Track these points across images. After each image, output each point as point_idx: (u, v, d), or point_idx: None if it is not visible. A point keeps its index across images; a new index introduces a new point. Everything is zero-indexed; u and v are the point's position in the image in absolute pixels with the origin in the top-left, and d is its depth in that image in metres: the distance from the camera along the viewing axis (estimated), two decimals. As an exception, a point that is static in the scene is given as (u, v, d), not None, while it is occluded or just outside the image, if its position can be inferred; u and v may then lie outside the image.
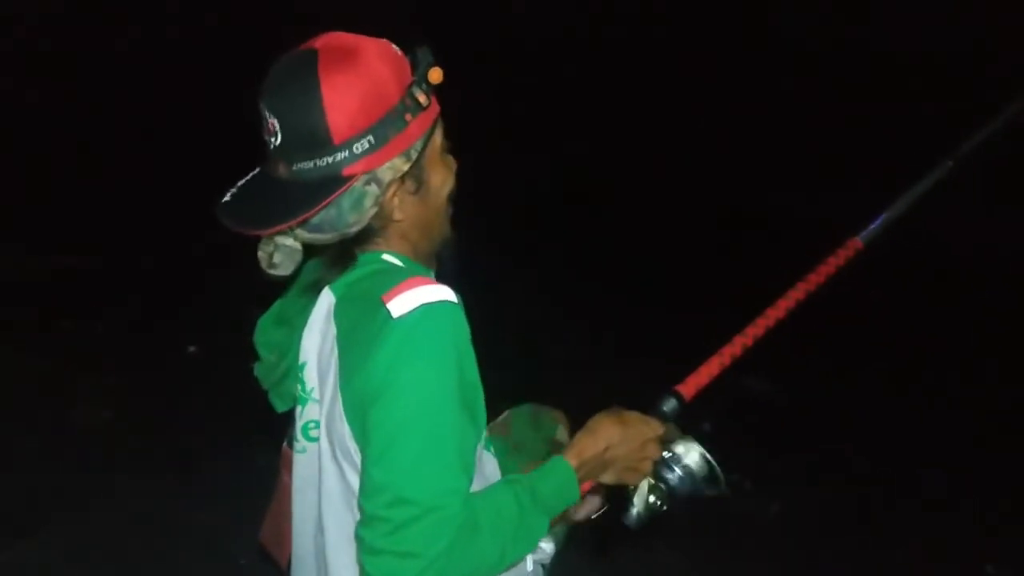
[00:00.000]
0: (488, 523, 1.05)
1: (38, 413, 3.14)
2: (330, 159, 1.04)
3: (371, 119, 1.04)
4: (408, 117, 1.07)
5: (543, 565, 1.28)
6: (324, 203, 1.04)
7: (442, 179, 1.17)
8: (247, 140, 1.31)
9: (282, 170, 1.07)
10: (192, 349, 3.56)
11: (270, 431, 1.37)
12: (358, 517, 1.05)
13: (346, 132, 1.03)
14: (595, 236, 4.77)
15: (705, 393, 1.34)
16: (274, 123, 1.05)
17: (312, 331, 1.19)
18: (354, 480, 1.12)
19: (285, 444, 1.33)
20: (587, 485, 1.20)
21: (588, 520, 1.38)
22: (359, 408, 1.05)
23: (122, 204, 4.72)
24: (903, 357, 3.65)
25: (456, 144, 1.22)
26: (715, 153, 5.70)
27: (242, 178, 1.15)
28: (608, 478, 1.21)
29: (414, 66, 1.09)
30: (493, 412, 1.64)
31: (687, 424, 1.30)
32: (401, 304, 1.03)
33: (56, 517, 2.64)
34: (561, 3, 8.02)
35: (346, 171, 1.05)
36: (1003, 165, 3.38)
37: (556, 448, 1.48)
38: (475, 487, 1.10)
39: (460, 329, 1.06)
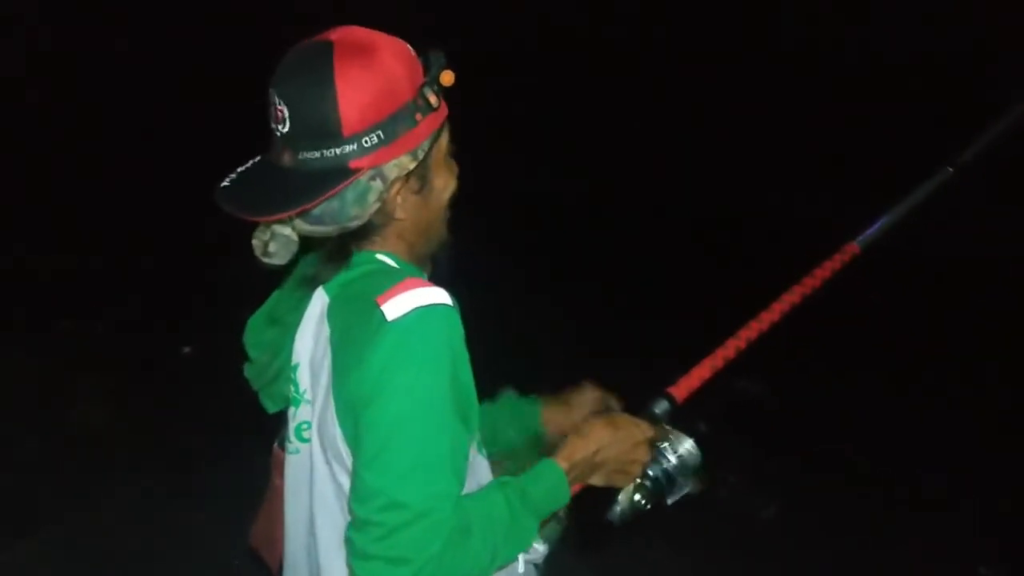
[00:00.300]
0: (479, 527, 1.04)
1: (34, 413, 3.16)
2: (338, 151, 1.04)
3: (382, 115, 1.04)
4: (418, 116, 1.07)
5: (535, 565, 1.27)
6: (329, 194, 1.04)
7: (445, 181, 1.17)
8: (246, 141, 1.31)
9: (287, 158, 1.07)
10: (187, 350, 3.57)
11: (264, 432, 1.37)
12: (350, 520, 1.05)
13: (356, 125, 1.03)
14: (592, 236, 4.77)
15: (701, 395, 1.34)
16: (283, 110, 1.05)
17: (305, 332, 1.18)
18: (346, 482, 1.11)
19: (276, 445, 1.32)
20: (577, 487, 1.20)
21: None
22: (352, 411, 1.05)
23: (121, 204, 4.73)
24: (900, 358, 3.66)
25: (455, 145, 1.22)
26: (714, 154, 5.70)
27: (241, 167, 1.14)
28: (598, 480, 1.21)
29: (426, 68, 1.10)
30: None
31: (684, 424, 1.30)
32: (396, 306, 1.02)
33: (51, 517, 2.65)
34: (561, 3, 8.02)
35: (353, 164, 1.05)
36: (1003, 167, 3.37)
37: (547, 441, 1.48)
38: (467, 490, 1.10)
39: (455, 332, 1.06)
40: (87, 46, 6.69)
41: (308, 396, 1.19)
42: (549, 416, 1.48)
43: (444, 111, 1.12)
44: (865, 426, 3.24)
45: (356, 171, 1.05)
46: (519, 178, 5.08)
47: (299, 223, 1.08)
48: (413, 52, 1.11)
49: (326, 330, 1.14)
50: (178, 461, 2.89)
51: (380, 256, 1.15)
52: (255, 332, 1.35)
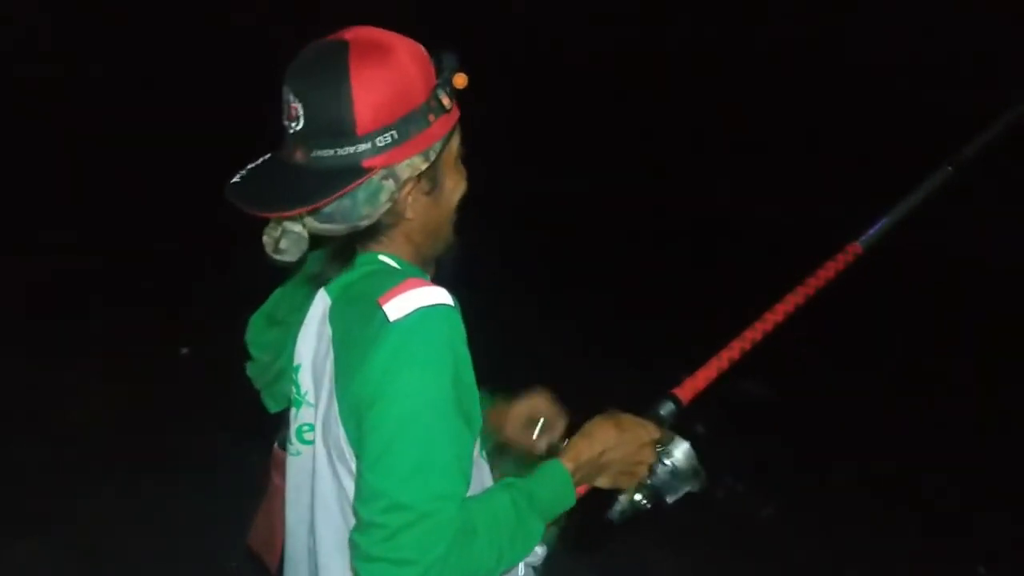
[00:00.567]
0: (485, 528, 1.04)
1: (32, 414, 3.15)
2: (352, 149, 1.04)
3: (396, 115, 1.05)
4: (431, 117, 1.08)
5: (534, 567, 1.27)
6: (341, 192, 1.04)
7: (455, 183, 1.18)
8: (245, 141, 1.31)
9: (299, 156, 1.07)
10: (185, 351, 3.57)
11: (262, 433, 1.37)
12: (352, 522, 1.04)
13: (370, 125, 1.04)
14: (593, 237, 4.77)
15: (702, 396, 1.34)
16: (297, 108, 1.05)
17: (307, 333, 1.18)
18: (349, 484, 1.11)
19: (277, 445, 1.32)
20: (582, 488, 1.19)
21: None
22: (355, 412, 1.05)
23: (117, 205, 4.72)
24: (900, 359, 3.66)
25: (465, 148, 1.22)
26: (715, 156, 5.71)
27: (251, 164, 1.14)
28: (603, 482, 1.21)
29: (438, 70, 1.10)
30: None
31: (682, 426, 1.30)
32: (398, 307, 1.02)
33: (48, 518, 2.65)
34: (557, 8, 8.01)
35: (366, 163, 1.05)
36: (1004, 166, 3.38)
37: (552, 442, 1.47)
38: (471, 492, 1.10)
39: (457, 333, 1.06)
40: (87, 46, 6.69)
41: (310, 398, 1.19)
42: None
43: (456, 113, 1.13)
44: (865, 426, 3.25)
45: (369, 170, 1.05)
46: (518, 179, 5.08)
47: (310, 221, 1.08)
48: (426, 53, 1.11)
49: (328, 332, 1.14)
50: (176, 462, 2.88)
51: (383, 257, 1.15)
52: (257, 332, 1.34)
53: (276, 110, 1.09)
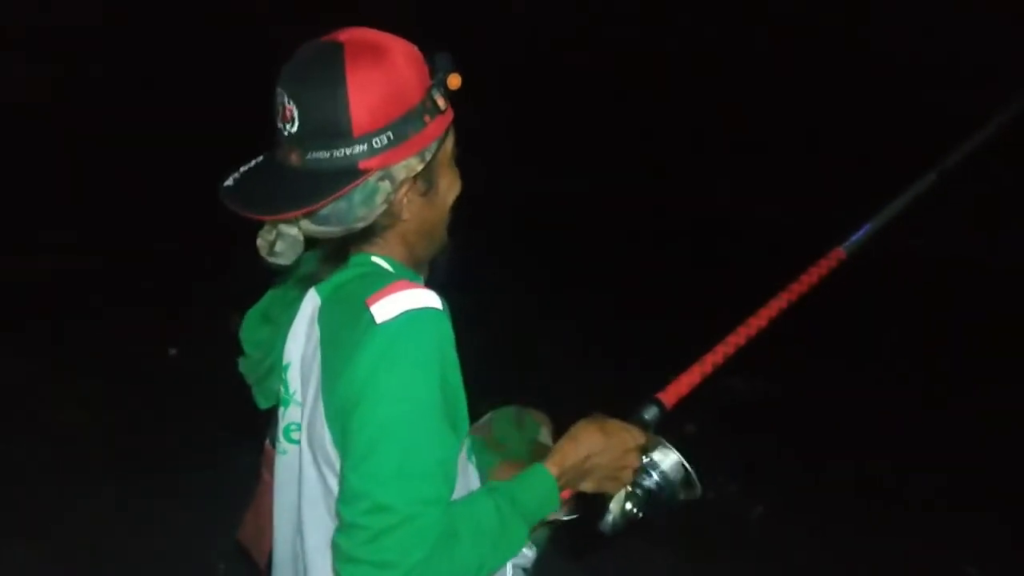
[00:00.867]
0: (468, 532, 1.05)
1: (20, 415, 3.15)
2: (348, 151, 1.04)
3: (391, 116, 1.05)
4: (427, 119, 1.08)
5: (524, 570, 1.28)
6: (338, 194, 1.04)
7: (449, 183, 1.18)
8: (245, 141, 1.32)
9: (294, 158, 1.07)
10: (173, 351, 3.56)
11: (251, 433, 1.38)
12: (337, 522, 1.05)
13: (366, 126, 1.04)
14: (596, 239, 4.76)
15: (693, 393, 1.35)
16: (292, 110, 1.05)
17: (296, 333, 1.19)
18: (334, 484, 1.12)
19: (267, 442, 1.33)
20: (567, 493, 1.20)
21: (559, 522, 1.39)
22: (340, 413, 1.06)
23: (117, 206, 4.72)
24: (896, 358, 3.66)
25: (459, 148, 1.23)
26: (715, 156, 5.70)
27: (244, 166, 1.14)
28: (588, 486, 1.21)
29: (432, 70, 1.11)
30: (478, 416, 1.65)
31: (672, 424, 1.31)
32: (385, 309, 1.03)
33: (37, 518, 2.65)
34: (557, 8, 7.99)
35: (362, 165, 1.05)
36: (999, 169, 3.38)
37: (539, 450, 1.49)
38: (457, 495, 1.11)
39: (444, 336, 1.06)
40: (87, 46, 6.69)
41: (298, 397, 1.20)
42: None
43: (450, 114, 1.13)
44: (860, 425, 3.25)
45: (365, 172, 1.06)
46: (518, 179, 5.08)
47: (306, 223, 1.09)
48: (421, 54, 1.12)
49: (316, 332, 1.15)
50: (164, 462, 2.88)
51: (375, 259, 1.15)
52: (250, 328, 1.36)
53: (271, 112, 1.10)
